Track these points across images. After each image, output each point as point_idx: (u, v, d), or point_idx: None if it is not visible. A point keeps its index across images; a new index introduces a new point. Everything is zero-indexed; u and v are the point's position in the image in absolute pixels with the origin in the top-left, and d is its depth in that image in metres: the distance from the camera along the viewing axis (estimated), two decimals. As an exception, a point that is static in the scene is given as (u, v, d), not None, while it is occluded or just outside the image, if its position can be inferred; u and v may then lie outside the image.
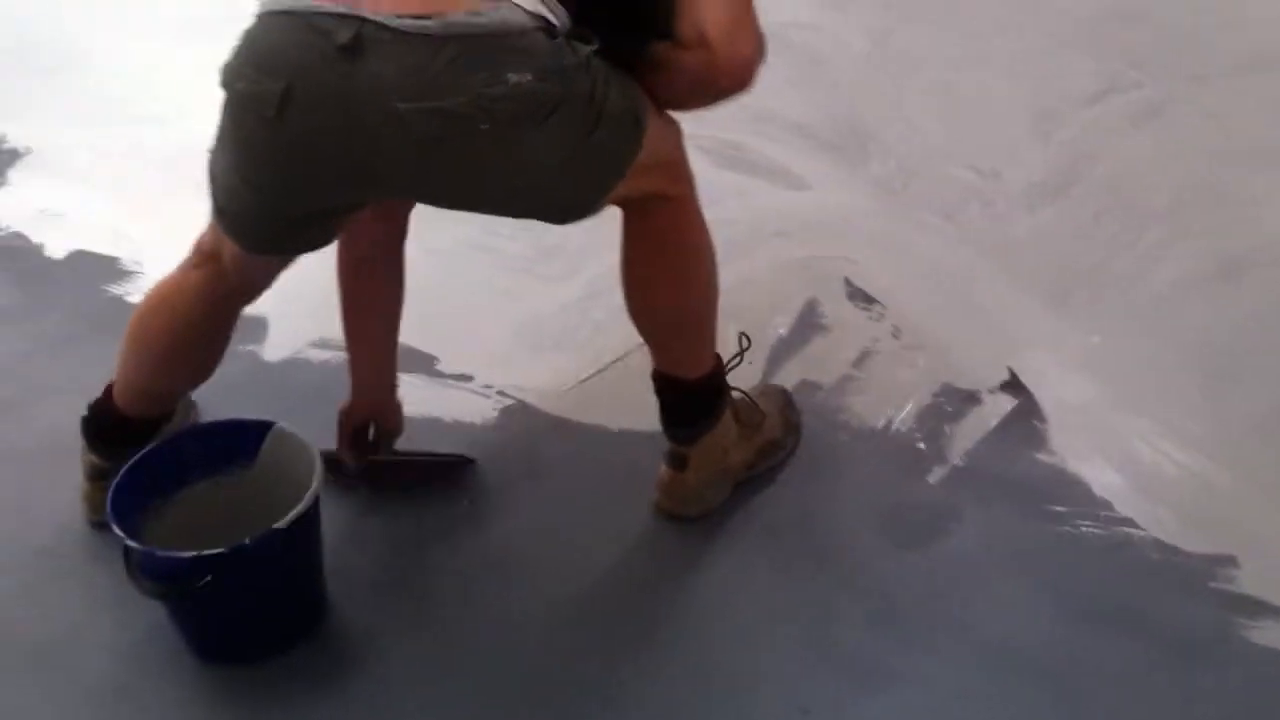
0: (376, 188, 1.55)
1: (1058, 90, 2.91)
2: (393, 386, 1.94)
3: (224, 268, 1.69)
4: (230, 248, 1.65)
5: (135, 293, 2.31)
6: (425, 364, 2.17)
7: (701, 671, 1.69)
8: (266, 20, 1.44)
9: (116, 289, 2.37)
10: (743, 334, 2.00)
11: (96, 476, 1.84)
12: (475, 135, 1.41)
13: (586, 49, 1.45)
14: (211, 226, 1.68)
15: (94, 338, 2.16)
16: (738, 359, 1.95)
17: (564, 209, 1.60)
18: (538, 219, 1.65)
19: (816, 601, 1.76)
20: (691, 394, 1.83)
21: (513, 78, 1.38)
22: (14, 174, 2.80)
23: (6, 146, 2.89)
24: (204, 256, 1.72)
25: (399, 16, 1.37)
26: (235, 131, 1.48)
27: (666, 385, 1.84)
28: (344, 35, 1.37)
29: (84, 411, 1.86)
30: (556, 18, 1.43)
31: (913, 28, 3.27)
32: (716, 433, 1.85)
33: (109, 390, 1.84)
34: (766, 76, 1.58)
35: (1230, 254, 2.35)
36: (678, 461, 1.86)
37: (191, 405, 2.04)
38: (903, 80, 3.01)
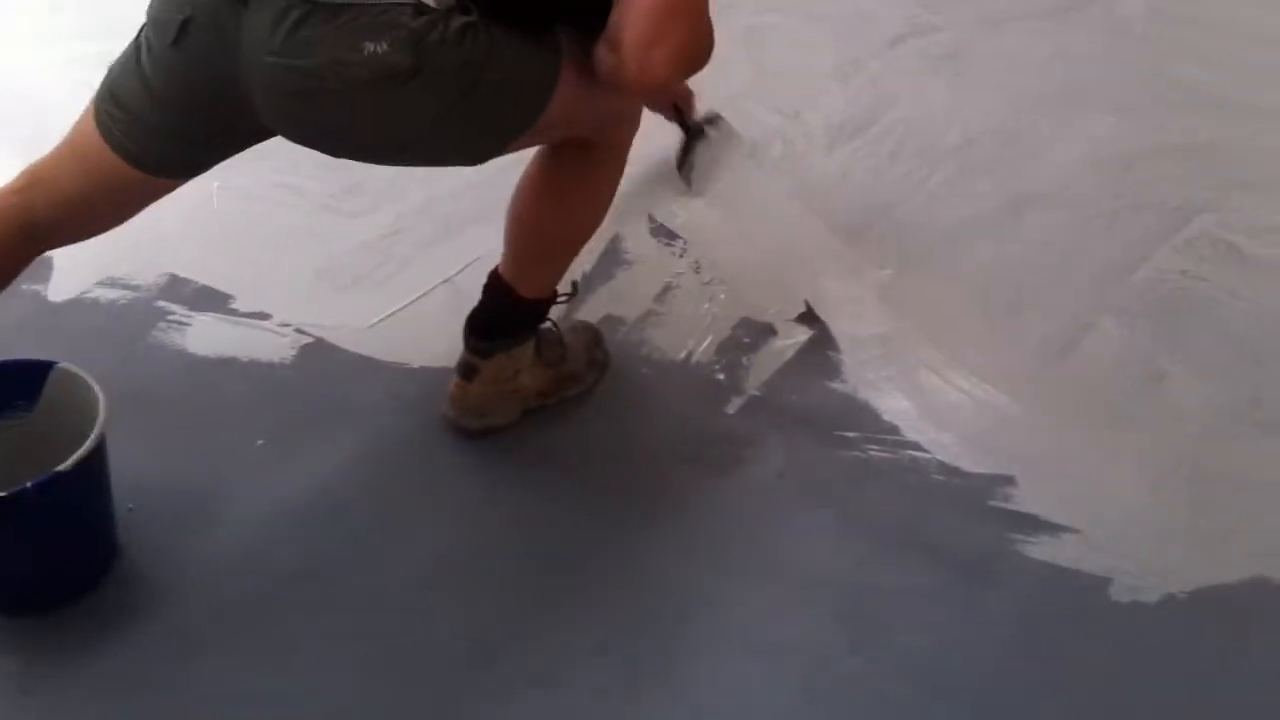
0: (258, 127, 1.60)
1: (858, 34, 2.97)
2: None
3: (49, 198, 1.65)
4: (82, 175, 1.64)
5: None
6: (220, 302, 2.13)
7: (502, 602, 1.71)
8: None
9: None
10: (574, 282, 2.04)
11: None
12: (331, 94, 1.48)
13: (461, 20, 1.47)
14: (59, 150, 1.67)
15: None
16: (565, 299, 1.98)
17: (454, 159, 1.68)
18: (430, 166, 1.78)
19: (622, 535, 1.80)
20: (513, 308, 1.87)
21: (369, 46, 1.45)
22: None
23: None
24: (31, 181, 1.67)
25: None
26: (147, 49, 1.56)
27: (499, 291, 1.87)
28: None
29: None
30: None
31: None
32: (513, 354, 1.88)
33: None
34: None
35: (1015, 193, 2.44)
36: (467, 371, 1.89)
37: None
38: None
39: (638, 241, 2.30)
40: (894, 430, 1.94)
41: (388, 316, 2.12)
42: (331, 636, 1.67)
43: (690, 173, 2.41)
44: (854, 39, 2.96)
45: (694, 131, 2.39)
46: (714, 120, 2.42)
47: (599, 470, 1.89)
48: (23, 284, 2.05)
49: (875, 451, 1.90)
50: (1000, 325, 2.15)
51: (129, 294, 2.13)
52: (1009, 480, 1.86)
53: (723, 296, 2.18)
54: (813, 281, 2.21)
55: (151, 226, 2.20)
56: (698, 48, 1.56)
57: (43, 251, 1.75)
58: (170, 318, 2.09)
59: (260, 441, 1.89)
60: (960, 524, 1.81)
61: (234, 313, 2.11)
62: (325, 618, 1.69)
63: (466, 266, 2.16)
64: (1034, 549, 1.78)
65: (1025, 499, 1.84)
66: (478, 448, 1.91)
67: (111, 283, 2.15)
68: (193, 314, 2.10)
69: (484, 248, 2.03)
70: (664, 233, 2.32)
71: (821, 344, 2.09)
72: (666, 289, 2.20)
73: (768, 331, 2.11)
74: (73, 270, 2.16)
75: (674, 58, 1.52)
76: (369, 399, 1.98)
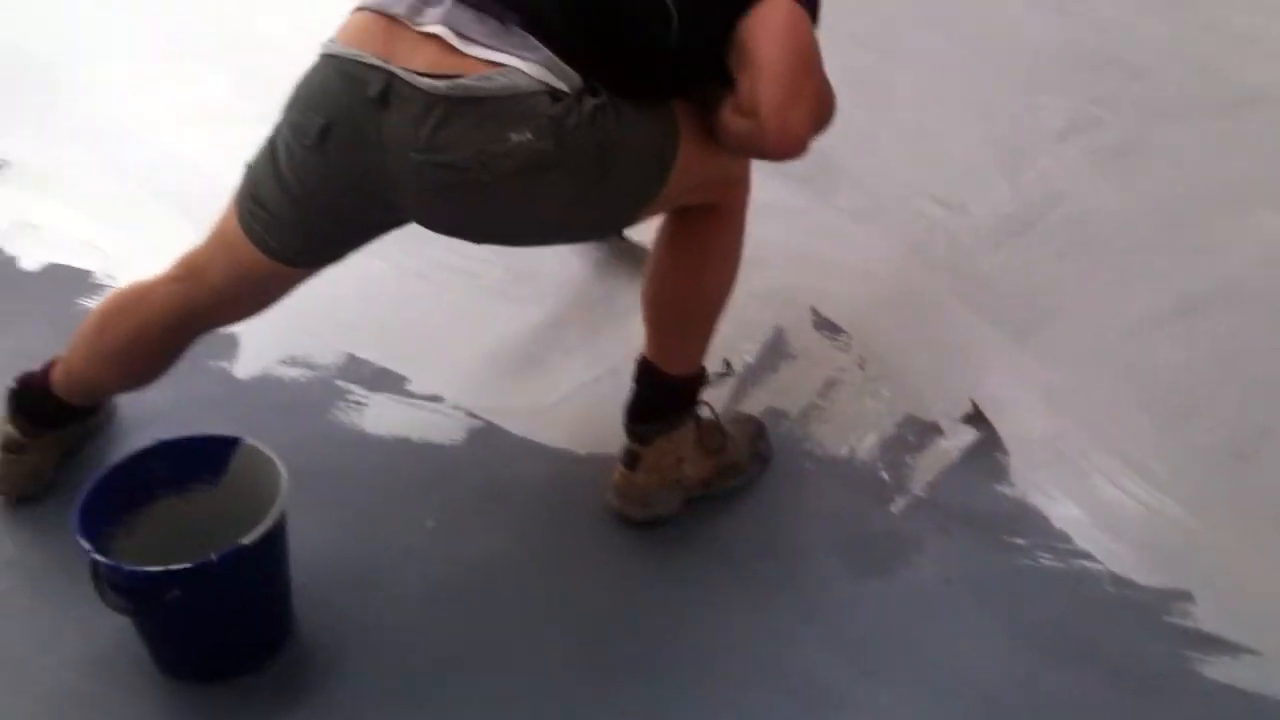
0: (402, 218, 1.68)
1: (1025, 128, 2.95)
2: None
3: (202, 288, 1.75)
4: (228, 266, 1.73)
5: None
6: (396, 384, 2.19)
7: (657, 695, 1.71)
8: (320, 61, 1.60)
9: (89, 302, 2.37)
10: (726, 360, 2.06)
11: (11, 449, 1.91)
12: (479, 185, 1.53)
13: (593, 103, 1.52)
14: (209, 243, 1.76)
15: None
16: (720, 377, 2.01)
17: (588, 236, 1.77)
18: (565, 244, 1.80)
19: (775, 627, 1.79)
20: (665, 389, 1.90)
21: (513, 137, 1.49)
22: (-10, 186, 2.80)
23: (-15, 158, 2.89)
24: (187, 271, 1.77)
25: (421, 75, 1.51)
26: (285, 150, 1.62)
27: (648, 374, 1.90)
28: (376, 87, 1.52)
29: (12, 383, 1.92)
30: (564, 81, 1.50)
31: (886, 64, 3.30)
32: (673, 439, 1.90)
33: (48, 368, 1.89)
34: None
35: (1189, 293, 2.39)
36: (630, 460, 1.91)
37: (114, 405, 2.08)
38: (874, 115, 3.04)
39: (801, 334, 2.31)
40: (1065, 538, 1.90)
41: (555, 403, 2.16)
42: (491, 717, 1.69)
43: None
44: (1019, 132, 2.94)
45: None
46: None
47: (756, 563, 1.88)
48: (210, 361, 2.18)
49: (1045, 559, 1.87)
50: (1175, 430, 2.09)
51: (309, 373, 2.21)
52: (1185, 595, 1.81)
53: (887, 393, 2.17)
54: (979, 381, 2.18)
55: (331, 308, 2.32)
56: (828, 104, 1.63)
57: (201, 335, 1.85)
58: (349, 397, 2.16)
59: (430, 522, 1.94)
60: (1133, 639, 1.76)
61: (408, 394, 2.18)
62: (485, 698, 1.71)
63: (631, 355, 2.19)
64: (1212, 669, 1.72)
65: (1203, 615, 1.78)
66: (639, 534, 1.93)
67: (293, 361, 2.23)
68: (369, 394, 2.16)
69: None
70: (828, 326, 2.32)
71: (989, 445, 2.07)
72: (830, 383, 2.20)
73: (933, 431, 2.10)
74: (257, 349, 2.25)
75: (810, 116, 1.57)
76: (535, 484, 2.02)
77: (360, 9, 1.61)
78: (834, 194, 2.72)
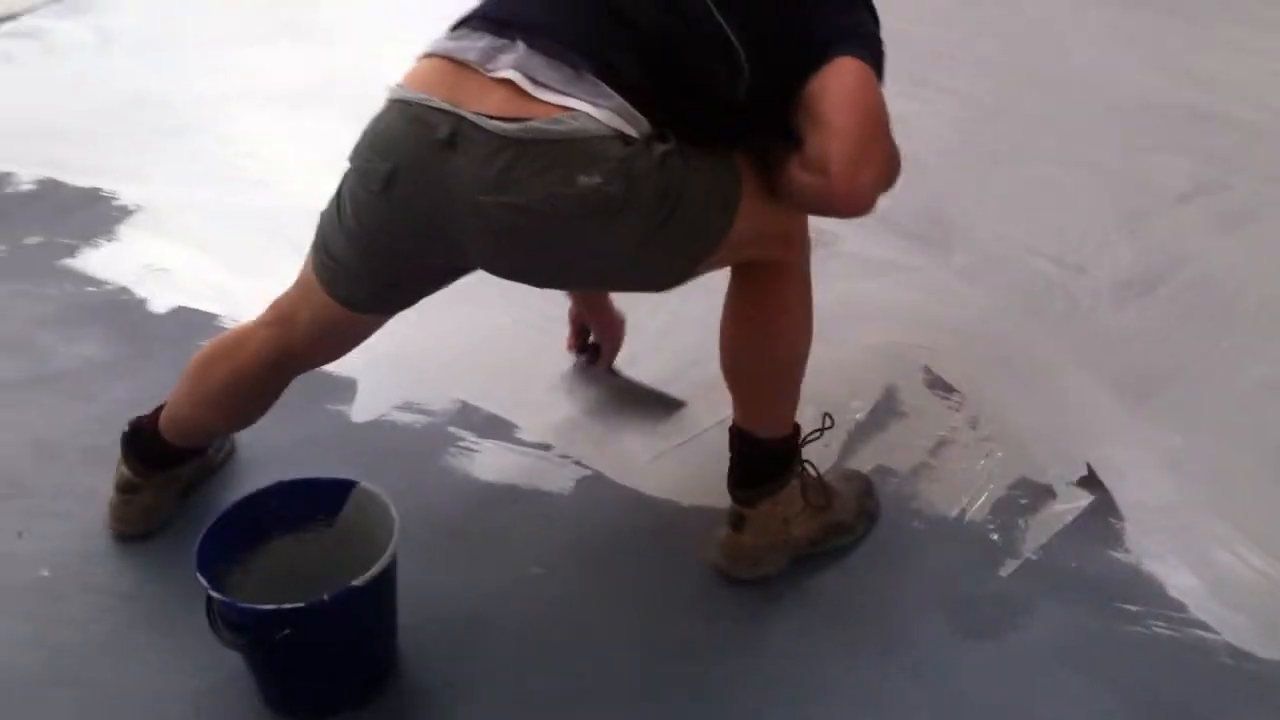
0: (465, 264, 1.69)
1: (1146, 189, 2.92)
2: (603, 303, 2.24)
3: (292, 332, 1.81)
4: (309, 311, 1.77)
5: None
6: (506, 431, 2.22)
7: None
8: (388, 106, 1.61)
9: (214, 345, 2.45)
10: (826, 414, 2.04)
11: (126, 489, 1.98)
12: (547, 228, 1.54)
13: (662, 148, 1.53)
14: (293, 289, 1.81)
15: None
16: (817, 434, 1.99)
17: (649, 284, 1.72)
18: (623, 291, 1.78)
19: (880, 688, 1.76)
20: (761, 453, 1.88)
21: (582, 180, 1.49)
22: (124, 230, 2.91)
23: (118, 203, 3.02)
24: (278, 316, 1.84)
25: (490, 118, 1.51)
26: (350, 198, 1.65)
27: (740, 440, 1.89)
28: (443, 130, 1.53)
29: (125, 427, 1.99)
30: (634, 127, 1.52)
31: (1001, 122, 3.30)
32: (778, 500, 1.89)
33: (156, 412, 1.97)
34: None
35: (1316, 360, 2.33)
36: (736, 521, 1.90)
37: (233, 445, 2.16)
38: (989, 173, 3.03)
39: (913, 393, 2.29)
40: (1180, 607, 1.85)
41: (662, 454, 2.17)
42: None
43: None
44: (1139, 193, 2.91)
45: None
46: None
47: (862, 622, 1.86)
48: (328, 404, 2.23)
49: (1160, 628, 1.82)
50: (1297, 499, 2.04)
51: (423, 418, 2.25)
52: (1306, 670, 1.75)
53: (1000, 454, 2.14)
54: (1095, 444, 2.15)
55: (446, 356, 2.37)
56: (895, 166, 1.61)
57: (295, 376, 1.90)
58: (460, 443, 2.19)
59: (536, 569, 1.95)
60: (1250, 714, 1.70)
61: (518, 442, 2.20)
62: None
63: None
64: (1333, 746, 1.66)
65: (1323, 692, 1.72)
66: (743, 588, 1.91)
67: (408, 407, 2.28)
68: (480, 441, 2.19)
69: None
70: (940, 385, 2.31)
71: (1103, 510, 2.02)
72: (941, 443, 2.18)
73: (1046, 494, 2.06)
74: (374, 394, 2.30)
75: (880, 177, 1.57)
76: (640, 534, 2.02)
77: (428, 55, 1.62)
78: (949, 252, 2.71)
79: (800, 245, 1.82)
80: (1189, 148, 3.08)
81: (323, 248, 1.73)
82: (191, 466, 2.04)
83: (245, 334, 1.87)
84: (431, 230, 1.60)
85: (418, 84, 1.59)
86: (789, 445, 1.91)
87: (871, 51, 1.61)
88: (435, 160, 1.54)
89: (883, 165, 1.58)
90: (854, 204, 1.56)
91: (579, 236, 1.55)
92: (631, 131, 1.51)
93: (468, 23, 1.62)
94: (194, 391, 1.90)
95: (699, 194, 1.58)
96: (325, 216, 1.73)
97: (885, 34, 1.65)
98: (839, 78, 1.57)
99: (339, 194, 1.69)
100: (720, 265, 1.75)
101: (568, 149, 1.50)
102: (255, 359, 1.83)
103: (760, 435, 1.87)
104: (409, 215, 1.61)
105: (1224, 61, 3.57)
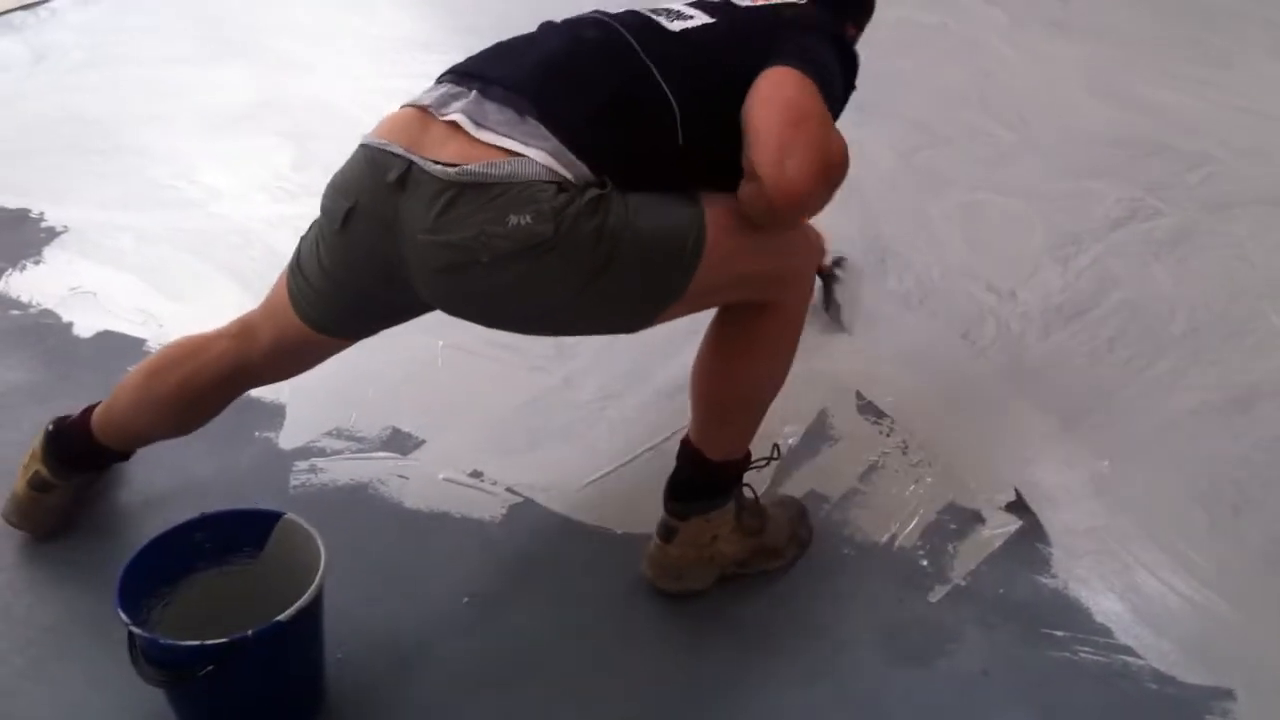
0: (417, 302, 1.73)
1: (1079, 215, 2.96)
2: None
3: (254, 346, 1.84)
4: (275, 328, 1.82)
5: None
6: (437, 459, 2.20)
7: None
8: (355, 151, 1.70)
9: (140, 370, 2.42)
10: (775, 444, 2.06)
11: (39, 488, 1.98)
12: (479, 266, 1.58)
13: (595, 193, 1.57)
14: (260, 306, 1.86)
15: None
16: (764, 462, 2.00)
17: (613, 328, 1.77)
18: (582, 335, 1.94)
19: (808, 710, 1.76)
20: (706, 472, 1.89)
21: (513, 219, 1.55)
22: (49, 252, 2.86)
23: (44, 225, 2.97)
24: (242, 329, 1.87)
25: (435, 162, 1.59)
26: (320, 231, 1.74)
27: (688, 456, 1.90)
28: (394, 173, 1.61)
29: (49, 426, 1.99)
30: (570, 171, 1.57)
31: (939, 149, 3.33)
32: (711, 518, 1.90)
33: (87, 413, 1.96)
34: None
35: (1242, 385, 2.37)
36: (665, 533, 1.92)
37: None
38: (925, 199, 3.06)
39: (845, 418, 2.30)
40: (1106, 632, 1.86)
41: (595, 480, 2.16)
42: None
43: (838, 313, 2.51)
44: (1073, 219, 2.94)
45: (828, 275, 2.49)
46: (840, 262, 2.52)
47: (792, 646, 1.86)
48: (256, 431, 2.21)
49: (1085, 653, 1.83)
50: (1223, 525, 2.06)
51: (353, 445, 2.23)
52: (1228, 694, 1.77)
53: (930, 479, 2.16)
54: (1024, 469, 2.17)
55: (376, 381, 2.35)
56: (826, 151, 1.60)
57: (246, 390, 1.95)
58: (391, 470, 2.17)
59: (466, 598, 1.94)
60: (1175, 738, 1.72)
61: (449, 469, 2.18)
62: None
63: (674, 434, 2.19)
64: (1256, 772, 1.68)
65: (1245, 715, 1.74)
66: (674, 613, 1.91)
67: (338, 434, 2.25)
68: (410, 468, 2.17)
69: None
70: (872, 410, 2.32)
71: (1031, 535, 2.04)
72: (872, 468, 2.19)
73: (975, 518, 2.07)
74: (303, 420, 2.27)
75: (808, 163, 1.57)
76: (572, 561, 2.01)
77: (404, 105, 1.71)
78: (883, 277, 2.72)
79: (796, 287, 1.82)
80: (1126, 176, 3.13)
81: (298, 271, 1.79)
82: (106, 473, 2.05)
83: (204, 343, 1.89)
84: (387, 268, 1.66)
85: (384, 131, 1.67)
86: (735, 470, 1.92)
87: (801, 59, 1.64)
88: (387, 201, 1.62)
89: (810, 150, 1.57)
90: (788, 195, 1.57)
91: (512, 276, 1.58)
92: (567, 175, 1.56)
93: (442, 76, 1.73)
94: (139, 393, 1.91)
95: (646, 241, 1.60)
96: (304, 243, 1.79)
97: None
98: (755, 88, 1.62)
99: (316, 224, 1.76)
100: (701, 308, 1.77)
101: (504, 190, 1.55)
102: (212, 368, 1.86)
103: (711, 457, 1.88)
104: (364, 253, 1.68)
105: (1166, 91, 3.63)
